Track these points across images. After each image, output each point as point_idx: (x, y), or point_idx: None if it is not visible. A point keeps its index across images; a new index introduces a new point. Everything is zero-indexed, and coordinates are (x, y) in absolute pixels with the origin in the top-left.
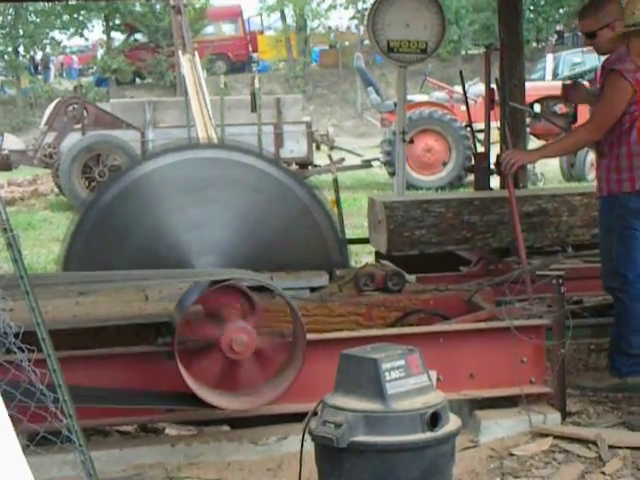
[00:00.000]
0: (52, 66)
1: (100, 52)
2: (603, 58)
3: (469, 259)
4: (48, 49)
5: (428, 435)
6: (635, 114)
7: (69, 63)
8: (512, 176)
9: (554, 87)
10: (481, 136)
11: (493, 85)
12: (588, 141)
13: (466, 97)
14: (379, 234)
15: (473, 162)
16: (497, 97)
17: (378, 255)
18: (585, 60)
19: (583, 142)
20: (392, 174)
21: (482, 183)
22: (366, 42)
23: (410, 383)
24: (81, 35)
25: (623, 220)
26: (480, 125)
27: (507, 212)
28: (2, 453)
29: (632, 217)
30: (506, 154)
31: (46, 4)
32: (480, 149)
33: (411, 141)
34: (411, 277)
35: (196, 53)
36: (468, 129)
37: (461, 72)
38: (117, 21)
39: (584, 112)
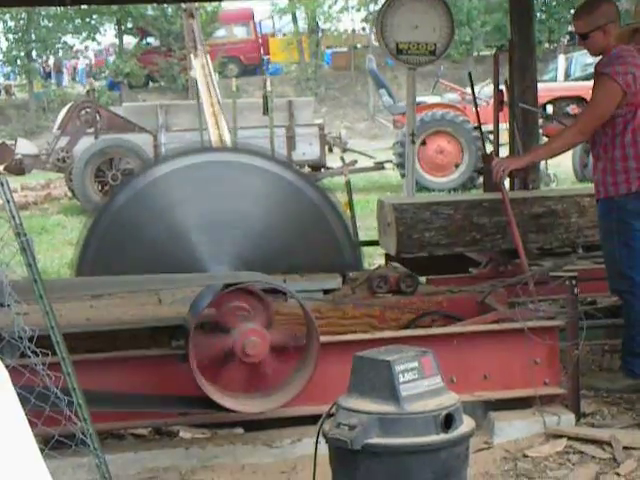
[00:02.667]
0: (66, 70)
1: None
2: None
3: (479, 261)
4: (60, 53)
5: (442, 437)
6: (627, 116)
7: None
8: (520, 180)
9: (566, 88)
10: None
11: (502, 87)
12: (575, 142)
13: (475, 98)
14: (388, 236)
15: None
16: (506, 98)
17: (388, 257)
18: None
19: (571, 143)
20: (404, 176)
21: (491, 184)
22: (377, 43)
23: (424, 385)
24: (93, 39)
25: (623, 222)
26: (492, 126)
27: (516, 213)
28: (22, 457)
29: (631, 218)
30: (496, 161)
31: (58, 8)
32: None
33: (423, 143)
34: (421, 279)
35: (208, 56)
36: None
37: (470, 74)
38: (129, 25)
39: None
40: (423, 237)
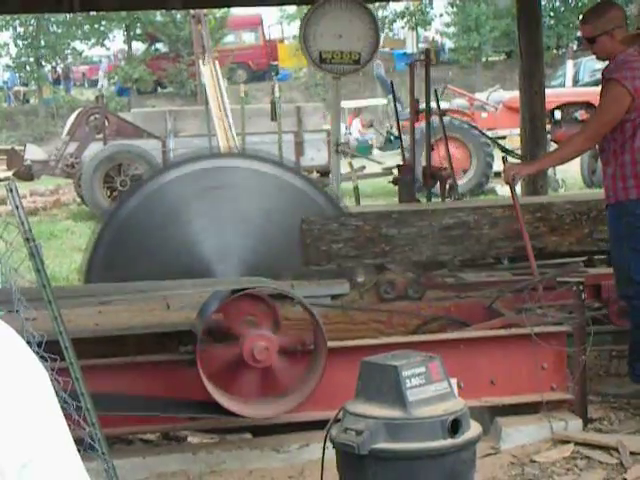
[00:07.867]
0: (99, 74)
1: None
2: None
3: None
4: (69, 59)
5: (449, 442)
6: (637, 121)
7: (93, 73)
8: (529, 184)
9: (575, 94)
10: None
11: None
12: (585, 149)
13: (396, 107)
14: None
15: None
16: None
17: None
18: None
19: (579, 150)
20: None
21: (407, 195)
22: (386, 49)
23: (431, 390)
24: (102, 45)
25: (632, 227)
26: (501, 132)
27: (426, 225)
28: (65, 454)
29: None
30: (507, 166)
31: (67, 15)
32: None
33: (431, 148)
34: None
35: (216, 62)
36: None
37: (392, 82)
38: (138, 31)
39: None
40: (331, 249)
